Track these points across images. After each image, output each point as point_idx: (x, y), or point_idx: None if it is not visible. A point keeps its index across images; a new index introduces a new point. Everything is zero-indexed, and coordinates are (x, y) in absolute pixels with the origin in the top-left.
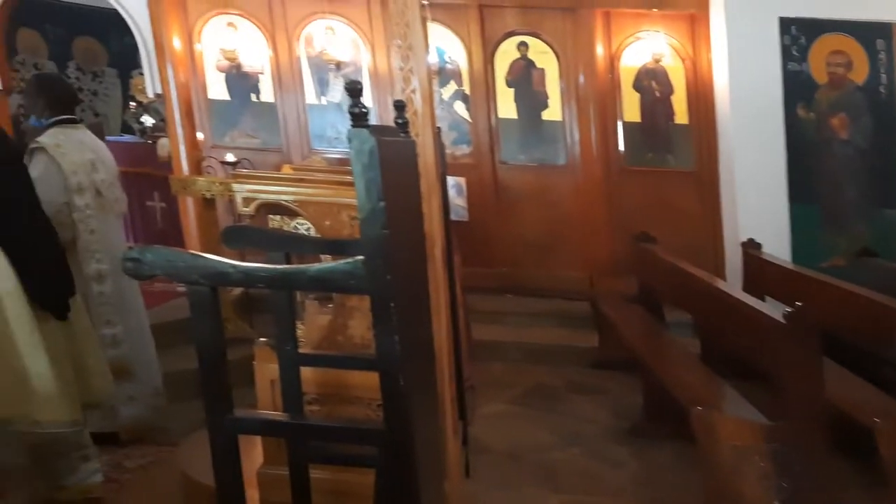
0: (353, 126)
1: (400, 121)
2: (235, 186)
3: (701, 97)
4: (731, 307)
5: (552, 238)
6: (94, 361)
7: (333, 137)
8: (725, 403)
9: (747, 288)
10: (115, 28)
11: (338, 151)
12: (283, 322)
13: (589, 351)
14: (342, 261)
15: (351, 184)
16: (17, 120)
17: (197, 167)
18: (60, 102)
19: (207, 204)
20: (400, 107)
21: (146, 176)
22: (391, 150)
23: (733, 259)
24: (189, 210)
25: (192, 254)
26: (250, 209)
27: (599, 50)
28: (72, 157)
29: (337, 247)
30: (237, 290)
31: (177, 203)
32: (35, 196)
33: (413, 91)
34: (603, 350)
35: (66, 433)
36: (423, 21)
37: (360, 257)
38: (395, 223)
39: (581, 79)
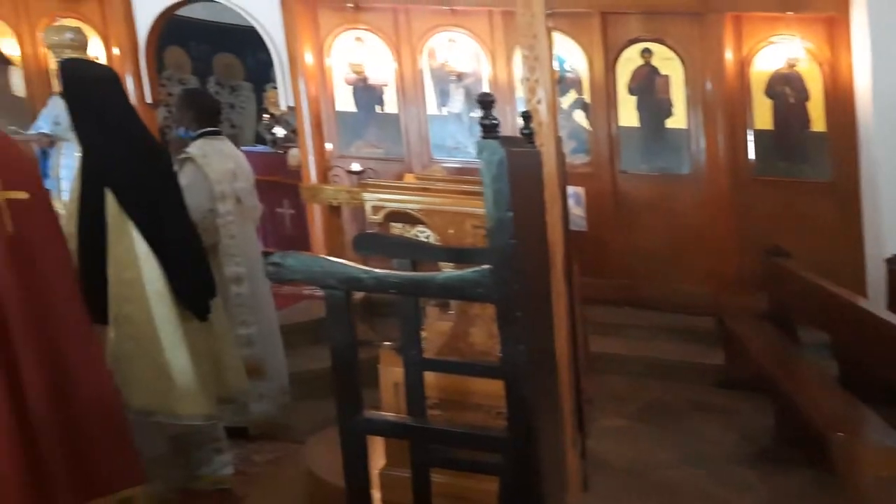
0: (484, 137)
1: (526, 131)
2: (366, 195)
3: (840, 103)
4: (875, 327)
5: (674, 250)
6: (230, 359)
7: (453, 147)
8: (869, 430)
9: (893, 307)
10: (251, 45)
11: (457, 161)
12: (408, 327)
13: (713, 369)
14: (470, 270)
15: (475, 193)
16: (162, 131)
17: (324, 176)
18: (206, 115)
19: (333, 211)
20: (526, 117)
21: (277, 184)
22: (518, 161)
23: (876, 276)
24: (316, 217)
25: (329, 259)
26: (379, 217)
27: (728, 55)
28: (216, 167)
29: (461, 255)
30: (360, 295)
31: (305, 210)
32: (184, 203)
33: (539, 102)
34: (729, 368)
35: (202, 426)
36: (549, 32)
37: (487, 266)
38: (521, 233)
39: (708, 85)
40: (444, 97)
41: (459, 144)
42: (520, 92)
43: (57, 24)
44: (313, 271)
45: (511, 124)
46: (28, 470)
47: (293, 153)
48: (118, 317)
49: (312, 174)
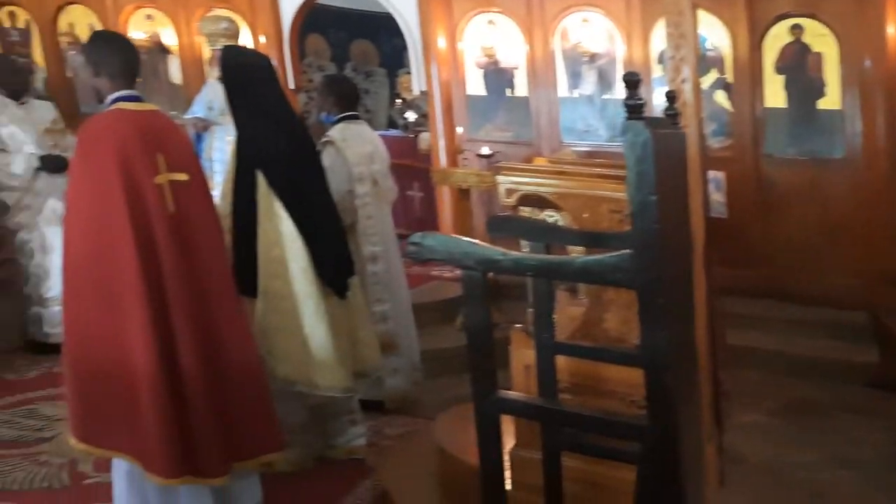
0: (628, 118)
1: (670, 112)
2: (500, 178)
3: None
4: None
5: (824, 240)
6: (366, 334)
7: (583, 130)
8: None
9: None
10: (386, 31)
11: (587, 144)
12: (542, 310)
13: (864, 367)
14: (609, 254)
15: (611, 177)
16: (302, 115)
17: (454, 159)
18: (347, 101)
19: (462, 194)
20: (670, 97)
21: (407, 167)
22: (663, 143)
23: None
24: (445, 200)
25: (467, 241)
26: (512, 200)
27: (890, 30)
28: (355, 150)
29: (597, 239)
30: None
31: (434, 193)
32: (327, 185)
33: (683, 81)
34: (884, 368)
35: (338, 398)
36: (694, 8)
37: (628, 251)
38: (664, 218)
39: (867, 63)
40: (575, 79)
41: (590, 127)
42: (656, 72)
43: (212, 14)
44: (452, 252)
45: (647, 105)
46: (180, 431)
47: (424, 137)
48: (265, 291)
49: (442, 158)
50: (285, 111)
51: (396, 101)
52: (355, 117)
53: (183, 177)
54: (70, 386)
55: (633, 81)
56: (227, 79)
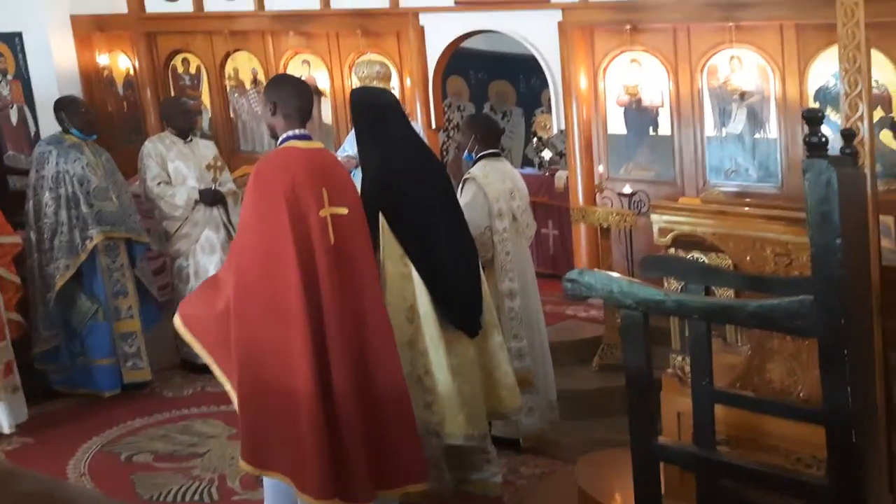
0: (809, 156)
1: (847, 151)
2: (654, 216)
3: None
4: None
5: None
6: (504, 375)
7: (731, 170)
8: None
9: None
10: (524, 72)
11: (734, 185)
12: (700, 355)
13: None
14: (788, 299)
15: (777, 218)
16: (441, 153)
17: (591, 198)
18: (489, 139)
19: (602, 233)
20: (848, 136)
21: (542, 205)
22: (846, 183)
23: None
24: (581, 238)
25: (627, 280)
26: (667, 239)
27: None
28: (496, 186)
29: (761, 283)
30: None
31: (568, 231)
32: (458, 220)
33: (860, 118)
34: None
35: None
36: (868, 43)
37: (807, 296)
38: (848, 262)
39: None
40: (723, 117)
41: (739, 167)
42: None
43: (366, 58)
44: (611, 290)
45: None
46: (333, 454)
47: (560, 175)
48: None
49: (580, 196)
50: (413, 147)
51: (533, 139)
52: (496, 154)
53: (343, 210)
54: (239, 406)
55: (814, 118)
56: (354, 116)
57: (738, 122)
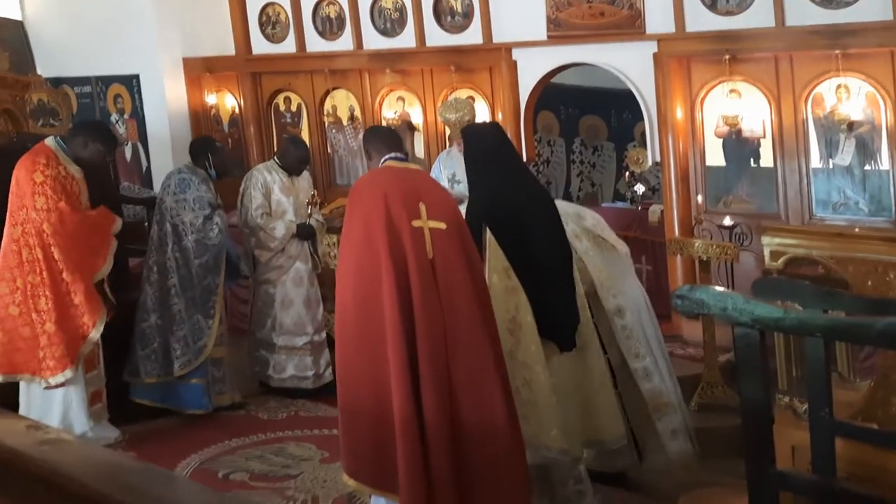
0: None
1: None
2: (765, 239)
3: None
4: None
5: None
6: (605, 402)
7: (839, 203)
8: None
9: None
10: (616, 106)
11: (842, 219)
12: (819, 383)
13: None
14: None
15: None
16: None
17: (688, 230)
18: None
19: (702, 266)
20: None
21: (635, 240)
22: None
23: None
24: (678, 271)
25: (742, 296)
26: (779, 263)
27: None
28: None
29: (884, 307)
30: (727, 355)
31: (662, 266)
32: (557, 239)
33: None
34: None
35: (560, 461)
36: None
37: None
38: None
39: None
40: (830, 148)
41: (847, 200)
42: None
43: (452, 101)
44: (725, 306)
45: None
46: (424, 475)
47: (653, 210)
48: None
49: (676, 228)
50: (518, 168)
51: (624, 174)
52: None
53: (441, 225)
54: (340, 422)
55: None
56: (466, 144)
57: (846, 154)
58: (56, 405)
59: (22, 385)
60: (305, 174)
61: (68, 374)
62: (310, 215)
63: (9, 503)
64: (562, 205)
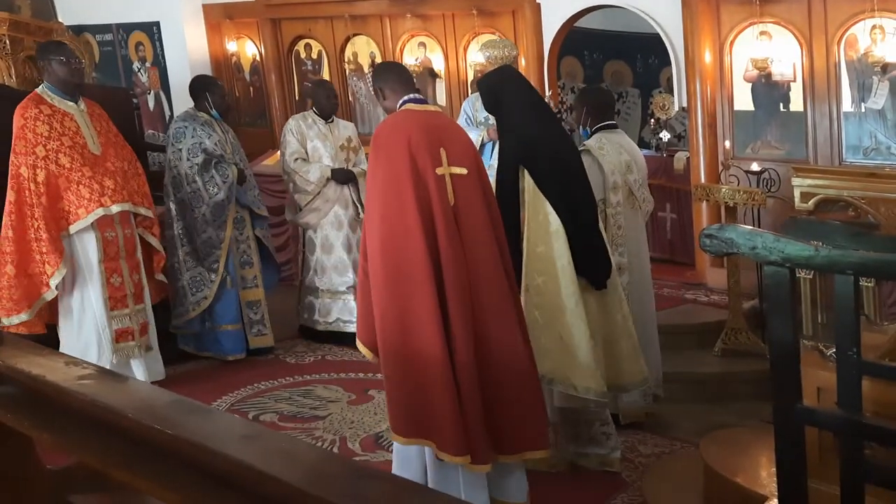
0: None
1: None
2: (795, 181)
3: None
4: None
5: None
6: (628, 347)
7: (870, 149)
8: None
9: None
10: (642, 51)
11: (874, 164)
12: (847, 321)
13: None
14: None
15: None
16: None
17: (714, 177)
18: (601, 110)
19: (728, 213)
20: None
21: (660, 187)
22: None
23: None
24: (703, 218)
25: (773, 234)
26: (809, 204)
27: None
28: (611, 159)
29: None
30: (751, 302)
31: (687, 215)
32: (586, 181)
33: None
34: None
35: (592, 403)
36: None
37: None
38: None
39: None
40: (862, 92)
41: (879, 145)
42: None
43: (495, 39)
44: (754, 245)
45: None
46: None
47: (679, 157)
48: (529, 287)
49: (702, 174)
50: (545, 112)
51: (650, 121)
52: (612, 126)
53: (462, 170)
54: (383, 373)
55: None
56: (492, 86)
57: (879, 97)
58: (92, 345)
59: (61, 323)
60: (347, 123)
61: (23, 317)
62: (347, 160)
63: (48, 437)
64: (623, 145)
